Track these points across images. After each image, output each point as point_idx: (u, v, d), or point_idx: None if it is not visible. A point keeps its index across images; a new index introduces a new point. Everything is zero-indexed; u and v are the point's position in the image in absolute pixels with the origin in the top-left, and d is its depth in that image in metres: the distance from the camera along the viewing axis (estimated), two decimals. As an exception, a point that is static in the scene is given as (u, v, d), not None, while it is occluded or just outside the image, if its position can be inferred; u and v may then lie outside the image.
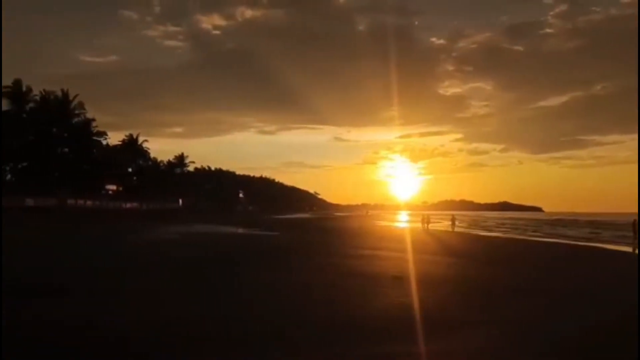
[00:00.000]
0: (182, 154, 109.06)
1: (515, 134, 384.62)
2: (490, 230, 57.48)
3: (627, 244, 32.34)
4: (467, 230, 53.35)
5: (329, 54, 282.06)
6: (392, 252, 20.98)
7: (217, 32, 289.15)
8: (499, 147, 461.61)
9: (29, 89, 62.14)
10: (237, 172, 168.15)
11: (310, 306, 8.45)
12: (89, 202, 62.36)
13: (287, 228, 46.81)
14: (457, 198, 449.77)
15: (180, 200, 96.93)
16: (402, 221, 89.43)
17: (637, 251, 26.82)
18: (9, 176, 62.69)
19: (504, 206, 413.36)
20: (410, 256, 19.07)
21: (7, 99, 60.54)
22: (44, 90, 63.94)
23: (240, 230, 38.62)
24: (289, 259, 17.09)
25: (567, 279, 14.28)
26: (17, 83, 61.34)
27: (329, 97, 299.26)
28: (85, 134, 66.47)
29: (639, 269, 16.78)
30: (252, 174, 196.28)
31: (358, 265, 15.07)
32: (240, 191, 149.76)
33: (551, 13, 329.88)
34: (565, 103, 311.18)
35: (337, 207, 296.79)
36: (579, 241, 37.71)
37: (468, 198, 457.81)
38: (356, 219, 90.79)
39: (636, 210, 41.98)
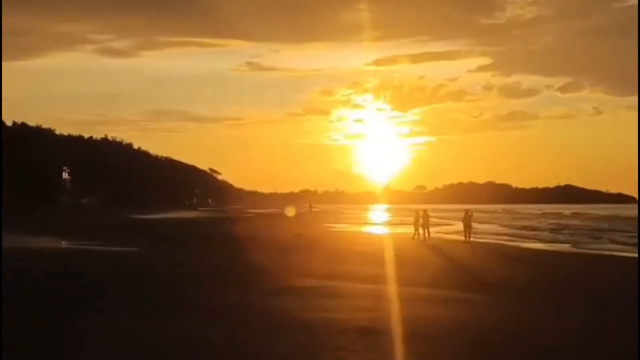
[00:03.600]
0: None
1: (590, 59, 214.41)
2: (542, 240, 34.64)
3: None
4: (495, 240, 32.76)
5: None
6: (357, 282, 13.97)
7: None
8: (560, 82, 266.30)
9: None
10: (58, 131, 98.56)
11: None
12: None
13: (156, 239, 28.55)
14: (480, 180, 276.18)
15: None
16: (376, 223, 60.60)
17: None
18: None
19: (566, 192, 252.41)
20: (390, 289, 12.24)
21: None
22: None
23: (64, 244, 25.01)
24: (164, 296, 10.33)
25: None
26: None
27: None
28: None
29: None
30: (88, 135, 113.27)
31: (294, 307, 9.38)
32: (65, 168, 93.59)
33: None
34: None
35: (253, 197, 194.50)
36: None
37: (499, 179, 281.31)
38: (291, 221, 57.98)
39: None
